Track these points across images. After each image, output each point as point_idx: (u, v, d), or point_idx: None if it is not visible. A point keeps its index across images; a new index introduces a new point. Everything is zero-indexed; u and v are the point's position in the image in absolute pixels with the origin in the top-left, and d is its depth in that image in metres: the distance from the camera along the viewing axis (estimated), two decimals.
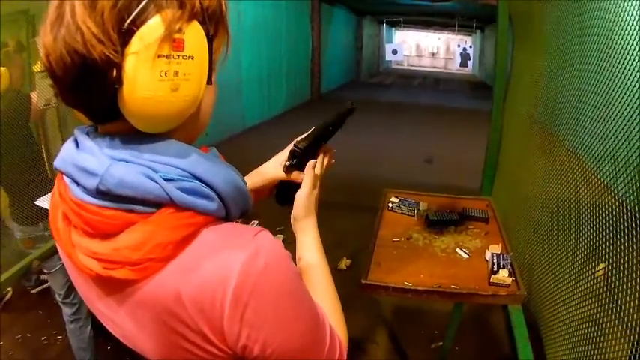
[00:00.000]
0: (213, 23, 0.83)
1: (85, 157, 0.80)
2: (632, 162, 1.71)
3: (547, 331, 2.03)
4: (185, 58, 0.77)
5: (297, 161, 1.22)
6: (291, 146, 1.24)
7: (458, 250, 2.04)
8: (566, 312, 1.84)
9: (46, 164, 3.08)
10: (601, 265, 1.90)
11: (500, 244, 2.08)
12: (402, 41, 27.75)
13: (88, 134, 0.86)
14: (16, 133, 2.89)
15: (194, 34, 0.78)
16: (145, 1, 0.73)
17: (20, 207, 2.93)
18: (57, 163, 0.87)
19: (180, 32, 0.75)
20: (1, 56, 2.87)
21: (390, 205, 2.40)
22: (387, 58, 22.04)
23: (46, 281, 4.05)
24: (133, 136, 0.81)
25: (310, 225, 1.22)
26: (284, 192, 1.27)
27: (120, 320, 0.89)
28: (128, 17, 0.72)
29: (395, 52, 19.14)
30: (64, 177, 0.85)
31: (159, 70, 0.74)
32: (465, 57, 19.26)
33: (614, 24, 1.93)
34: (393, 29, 28.72)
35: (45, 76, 2.82)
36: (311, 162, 1.22)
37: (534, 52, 2.74)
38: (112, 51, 0.72)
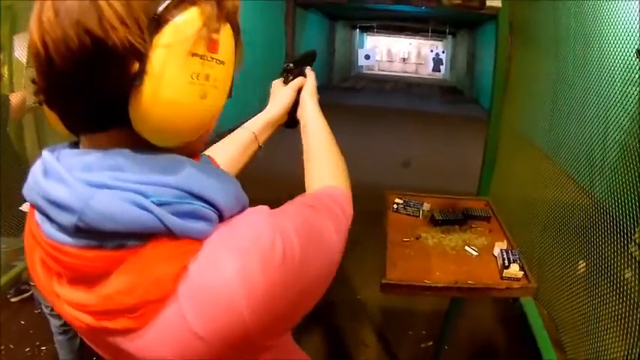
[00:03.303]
0: (237, 30, 0.76)
1: (54, 187, 0.64)
2: (608, 165, 1.79)
3: (560, 320, 2.09)
4: (218, 62, 0.68)
5: (292, 77, 1.42)
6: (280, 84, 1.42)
7: (467, 247, 2.09)
8: (575, 302, 1.91)
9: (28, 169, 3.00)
10: (582, 263, 1.98)
11: (505, 241, 2.13)
12: (374, 46, 27.92)
13: (58, 156, 0.70)
14: None
15: (227, 38, 0.70)
16: None
17: (2, 217, 2.80)
18: (25, 191, 0.70)
19: (217, 32, 0.67)
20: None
21: (395, 206, 2.44)
22: (359, 63, 22.14)
23: (26, 290, 3.92)
24: (120, 151, 0.66)
25: (315, 102, 1.36)
26: (290, 118, 1.42)
27: None
28: (161, 3, 0.62)
29: (367, 57, 19.23)
30: (35, 213, 0.70)
31: (191, 70, 0.65)
32: (437, 62, 19.49)
33: (590, 29, 2.00)
34: (365, 34, 28.88)
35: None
36: (307, 68, 1.45)
37: (526, 58, 2.81)
38: (139, 38, 0.60)
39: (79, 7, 0.59)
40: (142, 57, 0.61)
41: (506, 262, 1.89)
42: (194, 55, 0.64)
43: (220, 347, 0.66)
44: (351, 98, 17.43)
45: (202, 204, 0.68)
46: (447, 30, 20.34)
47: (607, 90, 1.88)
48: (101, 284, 0.65)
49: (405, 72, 31.82)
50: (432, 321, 3.75)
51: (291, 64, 1.44)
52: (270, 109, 1.37)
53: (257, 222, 0.72)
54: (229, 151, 1.26)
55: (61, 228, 0.64)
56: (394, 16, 17.34)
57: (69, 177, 0.63)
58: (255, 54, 12.25)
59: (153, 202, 0.63)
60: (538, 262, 2.35)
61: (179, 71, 0.63)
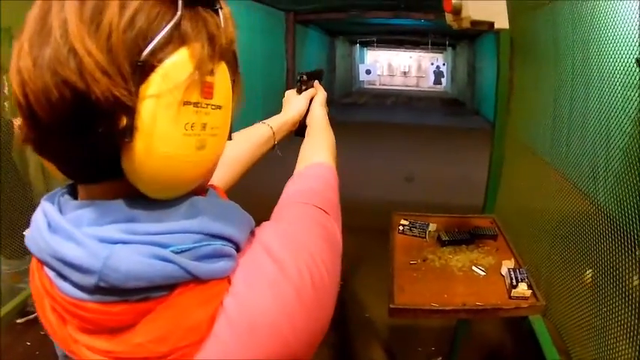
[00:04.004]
0: (233, 64, 0.69)
1: (65, 246, 0.59)
2: (612, 171, 1.80)
3: (569, 338, 2.09)
4: (214, 107, 0.62)
5: (305, 87, 1.52)
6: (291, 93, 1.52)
7: (474, 268, 2.10)
8: (588, 318, 1.90)
9: (32, 193, 2.99)
10: (588, 272, 1.98)
11: (513, 259, 2.14)
12: (375, 61, 28.02)
13: (59, 205, 0.66)
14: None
15: (223, 79, 0.64)
16: (169, 26, 0.56)
17: (6, 239, 2.81)
18: (28, 242, 0.65)
19: (212, 74, 0.61)
20: None
21: (401, 227, 2.44)
22: (360, 78, 22.20)
23: (31, 312, 3.92)
24: (124, 200, 0.61)
25: (324, 111, 1.47)
26: (300, 126, 1.48)
27: None
28: (145, 47, 0.55)
29: (369, 72, 19.30)
30: (45, 268, 0.63)
31: (185, 121, 0.58)
32: (438, 75, 19.48)
33: (589, 34, 2.01)
34: (365, 49, 28.95)
35: None
36: (315, 82, 1.54)
37: (526, 69, 2.82)
38: (123, 89, 0.54)
39: (56, 55, 0.53)
40: (129, 110, 0.55)
41: (514, 281, 1.90)
42: (187, 103, 0.58)
43: None
44: (353, 114, 17.44)
45: (222, 242, 0.64)
46: (447, 42, 20.38)
47: (608, 94, 1.89)
48: (129, 333, 0.60)
49: (407, 86, 31.87)
50: (441, 337, 3.72)
51: (305, 76, 1.52)
52: (286, 112, 1.45)
53: (275, 252, 0.69)
54: (244, 147, 1.27)
55: (80, 286, 0.59)
56: (394, 30, 17.35)
57: (79, 234, 0.58)
58: (255, 72, 12.29)
59: (173, 252, 0.59)
60: (546, 277, 2.34)
61: (171, 123, 0.57)
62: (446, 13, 1.66)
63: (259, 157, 1.32)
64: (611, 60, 1.86)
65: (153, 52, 0.55)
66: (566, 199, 2.21)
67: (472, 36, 17.52)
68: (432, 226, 2.46)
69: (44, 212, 0.64)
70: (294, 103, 1.46)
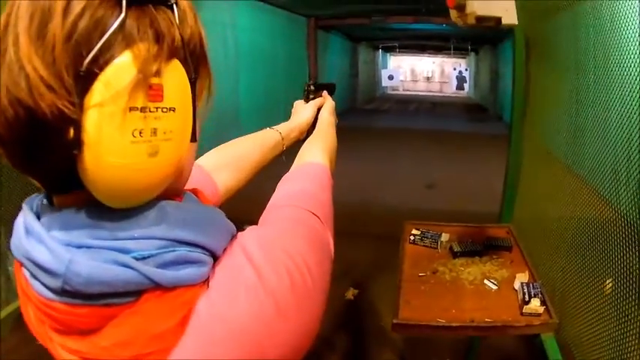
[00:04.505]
0: (195, 61, 0.66)
1: (36, 249, 0.60)
2: (634, 177, 1.72)
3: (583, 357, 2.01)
4: (165, 110, 0.59)
5: (312, 96, 1.55)
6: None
7: (486, 281, 2.02)
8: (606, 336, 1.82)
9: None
10: (608, 281, 1.89)
11: (527, 272, 2.06)
12: (397, 66, 27.96)
13: (38, 210, 0.67)
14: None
15: (175, 78, 0.61)
16: (110, 31, 0.54)
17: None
18: (12, 245, 0.66)
19: (158, 75, 0.58)
20: None
21: (412, 237, 2.38)
22: (383, 84, 22.15)
23: None
24: (93, 206, 0.61)
25: (332, 119, 1.49)
26: (309, 134, 1.49)
27: None
28: (87, 54, 0.53)
29: (391, 77, 19.25)
30: (22, 268, 0.66)
31: (131, 128, 0.56)
32: (461, 80, 19.38)
33: (610, 40, 1.94)
34: (388, 54, 28.94)
35: None
36: (324, 92, 1.58)
37: (545, 74, 2.75)
38: (67, 102, 0.53)
39: (10, 75, 0.54)
40: (74, 123, 0.54)
41: (526, 296, 1.83)
42: (133, 109, 0.55)
43: None
44: (376, 120, 17.45)
45: (189, 248, 0.63)
46: (469, 47, 20.28)
47: (630, 98, 1.81)
48: (95, 335, 0.61)
49: (430, 91, 31.79)
50: (456, 347, 3.67)
51: (312, 86, 1.56)
52: (294, 119, 1.49)
53: (251, 252, 0.68)
54: (251, 151, 1.30)
55: (48, 287, 0.60)
56: (416, 35, 17.32)
57: (47, 238, 0.59)
58: (277, 78, 12.31)
59: (135, 258, 0.59)
60: (562, 291, 2.26)
61: (117, 132, 0.55)
62: (450, 10, 1.60)
63: (267, 161, 1.34)
64: (633, 64, 1.79)
65: (95, 60, 0.53)
66: (587, 206, 2.14)
67: (494, 40, 17.42)
68: (445, 236, 2.38)
69: (23, 215, 0.65)
70: (301, 111, 1.50)
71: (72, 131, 0.54)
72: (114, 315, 0.60)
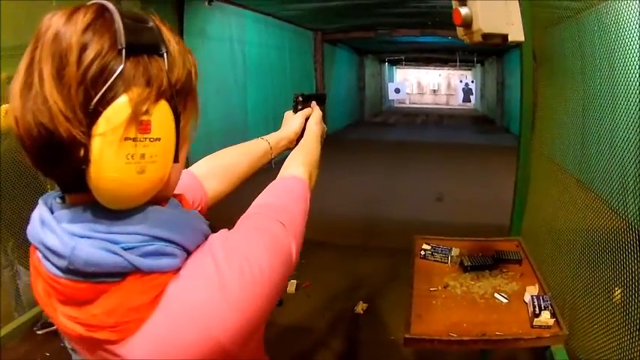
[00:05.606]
0: (182, 98, 0.84)
1: (49, 237, 0.79)
2: None
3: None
4: (152, 140, 0.77)
5: (301, 107, 1.62)
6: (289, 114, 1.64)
7: (496, 295, 2.04)
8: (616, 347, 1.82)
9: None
10: (617, 290, 1.89)
11: (537, 285, 2.07)
12: (404, 79, 28.01)
13: (51, 206, 0.85)
14: (19, 173, 2.89)
15: (161, 115, 0.78)
16: (112, 78, 0.72)
17: (26, 249, 2.85)
18: (28, 233, 0.86)
19: (147, 114, 0.75)
20: (0, 93, 2.85)
21: (423, 252, 2.40)
22: (389, 97, 22.16)
23: (52, 324, 3.94)
24: (95, 207, 0.79)
25: (319, 129, 1.56)
26: (297, 143, 1.56)
27: None
28: (95, 95, 0.71)
29: (398, 90, 19.26)
30: (37, 251, 0.85)
31: (125, 153, 0.74)
32: (467, 92, 19.29)
33: (615, 48, 1.95)
34: (394, 67, 28.95)
35: None
36: (313, 102, 1.64)
37: (552, 84, 2.76)
38: (79, 130, 0.71)
39: (35, 103, 0.71)
40: (84, 146, 0.71)
41: (537, 309, 1.84)
42: (127, 139, 0.73)
43: None
44: (383, 133, 17.44)
45: (164, 244, 0.81)
46: (475, 59, 20.26)
47: (636, 106, 1.83)
48: (89, 305, 0.79)
49: (437, 104, 31.76)
50: (467, 357, 3.66)
51: (301, 97, 1.63)
52: (283, 130, 1.59)
53: (215, 251, 0.85)
54: (240, 159, 1.45)
55: (57, 267, 0.79)
56: (422, 48, 17.36)
57: (57, 228, 0.78)
58: (285, 92, 12.33)
59: (122, 248, 0.77)
60: (571, 302, 2.26)
61: (114, 155, 0.73)
62: (457, 27, 1.62)
63: (255, 169, 1.48)
64: (638, 71, 1.81)
65: (100, 102, 0.71)
66: (596, 217, 2.14)
67: (500, 52, 17.42)
68: (455, 251, 2.40)
69: (39, 209, 0.84)
70: (290, 121, 1.61)
71: (82, 151, 0.72)
72: (105, 290, 0.79)
